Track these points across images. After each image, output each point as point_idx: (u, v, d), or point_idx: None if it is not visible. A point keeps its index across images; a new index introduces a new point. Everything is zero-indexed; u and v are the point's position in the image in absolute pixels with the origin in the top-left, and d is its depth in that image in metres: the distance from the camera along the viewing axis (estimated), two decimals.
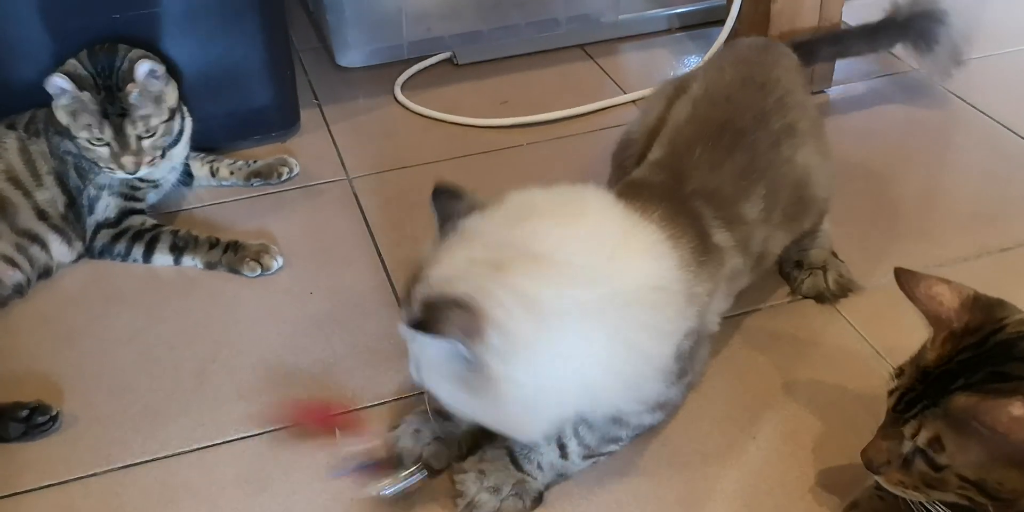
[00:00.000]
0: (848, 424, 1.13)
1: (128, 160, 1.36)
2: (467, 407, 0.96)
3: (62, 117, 1.36)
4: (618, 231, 0.98)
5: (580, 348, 0.93)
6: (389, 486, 1.03)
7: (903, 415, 0.87)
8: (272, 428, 1.16)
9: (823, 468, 1.09)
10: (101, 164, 1.38)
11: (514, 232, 0.94)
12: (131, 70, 1.36)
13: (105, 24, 1.43)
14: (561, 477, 1.06)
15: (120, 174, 1.38)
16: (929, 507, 0.88)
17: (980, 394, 0.81)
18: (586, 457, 1.06)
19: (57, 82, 1.33)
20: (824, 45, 1.60)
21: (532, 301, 0.89)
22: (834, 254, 1.34)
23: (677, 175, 1.11)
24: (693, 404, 1.17)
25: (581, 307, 0.91)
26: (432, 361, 0.93)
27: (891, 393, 0.90)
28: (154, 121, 1.37)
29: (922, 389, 0.86)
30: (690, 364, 1.08)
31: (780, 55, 1.33)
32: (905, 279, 0.92)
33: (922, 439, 0.85)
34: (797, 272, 1.33)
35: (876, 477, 0.91)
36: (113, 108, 1.34)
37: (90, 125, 1.34)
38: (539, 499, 1.04)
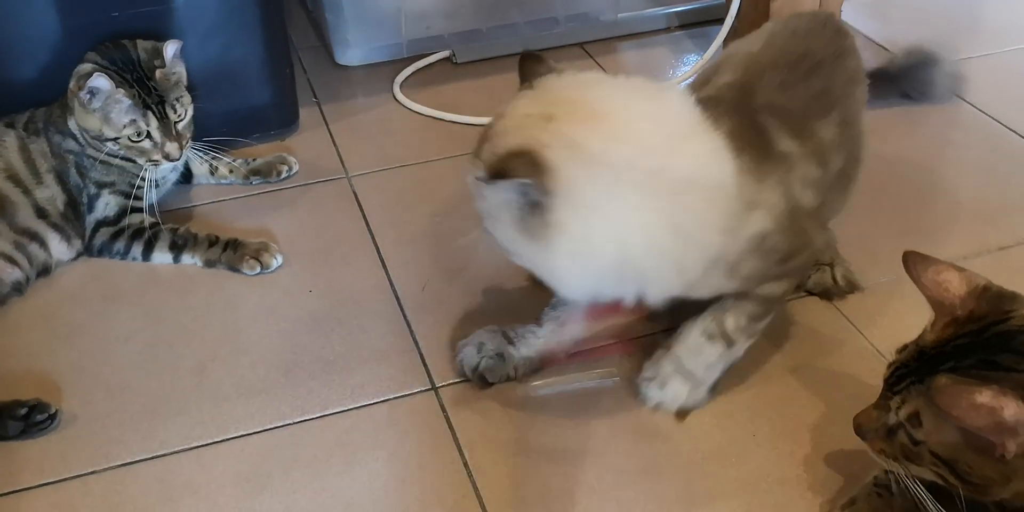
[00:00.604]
0: (848, 422, 1.11)
1: (172, 147, 1.38)
2: (524, 253, 1.01)
3: (94, 124, 1.36)
4: (685, 125, 1.01)
5: (624, 212, 0.96)
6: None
7: (893, 388, 0.90)
8: (272, 426, 1.16)
9: (823, 466, 1.09)
10: (143, 160, 1.39)
11: (579, 92, 1.00)
12: (152, 58, 1.37)
13: (104, 22, 1.43)
14: (730, 364, 1.16)
15: (165, 164, 1.40)
16: (905, 482, 0.90)
17: (962, 377, 0.82)
18: (751, 336, 1.14)
19: (97, 82, 1.31)
20: None
21: (581, 149, 0.95)
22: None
23: (747, 92, 1.10)
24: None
25: (630, 169, 0.96)
26: (495, 209, 0.99)
27: (889, 366, 0.92)
28: (185, 101, 1.40)
29: (915, 367, 0.88)
30: (799, 242, 1.09)
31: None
32: (913, 263, 0.92)
33: (903, 413, 0.87)
34: None
35: (863, 442, 0.94)
36: (151, 98, 1.35)
37: (134, 120, 1.35)
38: (712, 390, 1.16)
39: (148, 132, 1.36)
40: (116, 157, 1.40)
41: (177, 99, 1.38)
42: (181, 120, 1.40)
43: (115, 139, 1.36)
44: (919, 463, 0.88)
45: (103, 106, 1.34)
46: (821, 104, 1.13)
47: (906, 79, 1.67)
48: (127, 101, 1.34)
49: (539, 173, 0.94)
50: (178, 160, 1.40)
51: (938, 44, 1.70)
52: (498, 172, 0.95)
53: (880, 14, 2.03)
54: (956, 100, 1.72)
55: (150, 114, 1.35)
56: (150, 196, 1.47)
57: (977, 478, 0.84)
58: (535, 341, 1.20)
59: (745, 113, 1.06)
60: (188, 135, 1.42)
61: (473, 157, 1.02)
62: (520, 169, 0.94)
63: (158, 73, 1.36)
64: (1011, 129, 1.66)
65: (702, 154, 1.00)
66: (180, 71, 1.41)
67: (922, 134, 1.66)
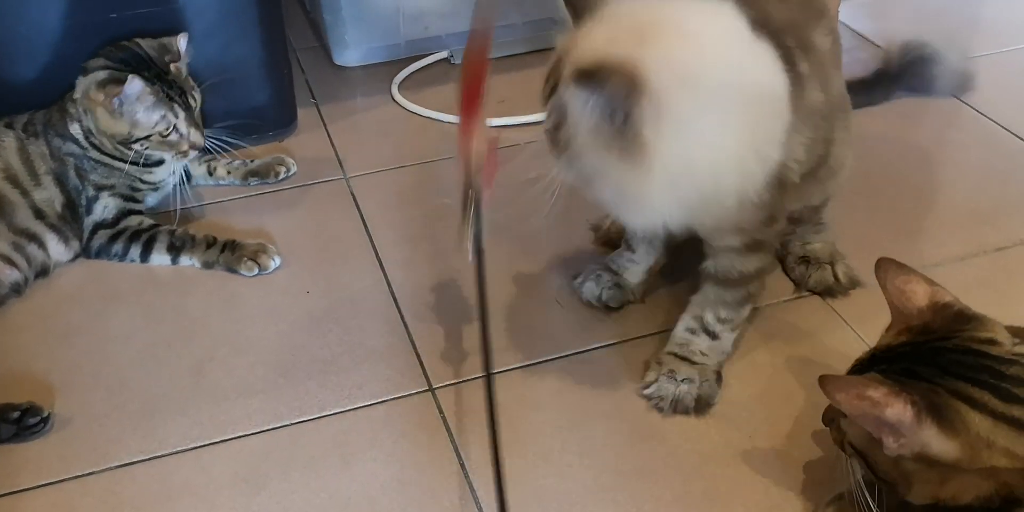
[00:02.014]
0: None
1: (197, 135, 1.41)
2: (615, 177, 0.99)
3: (121, 127, 1.36)
4: (751, 41, 1.01)
5: (718, 131, 0.96)
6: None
7: None
8: (270, 427, 1.16)
9: (820, 467, 1.09)
10: (168, 155, 1.41)
11: (659, 13, 0.97)
12: (162, 54, 1.39)
13: (102, 23, 1.43)
14: (724, 355, 1.20)
15: (192, 154, 1.42)
16: (848, 468, 0.95)
17: (878, 377, 0.87)
18: (732, 329, 1.19)
19: (134, 86, 1.32)
20: None
21: (684, 70, 0.94)
22: None
23: (759, 9, 1.09)
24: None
25: (724, 88, 0.96)
26: (585, 127, 0.96)
27: (852, 364, 0.97)
28: (197, 91, 1.43)
29: (864, 366, 0.93)
30: (778, 206, 1.10)
31: None
32: (884, 269, 0.96)
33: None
34: (803, 268, 1.33)
35: (828, 428, 1.00)
36: (173, 91, 1.37)
37: (164, 115, 1.37)
38: (720, 378, 1.19)
39: (176, 125, 1.38)
40: (120, 160, 1.40)
41: (194, 87, 1.41)
42: (197, 108, 1.43)
43: (146, 138, 1.37)
44: (849, 454, 0.93)
45: (130, 109, 1.35)
46: (814, 9, 1.14)
47: (906, 78, 1.67)
48: (151, 98, 1.35)
49: (640, 89, 0.91)
50: (201, 146, 1.42)
51: (943, 41, 1.69)
52: (600, 82, 0.92)
53: (878, 14, 2.03)
54: (963, 93, 1.71)
55: (177, 106, 1.38)
56: (150, 199, 1.47)
57: (882, 474, 0.89)
58: (638, 268, 1.29)
59: (774, 33, 1.05)
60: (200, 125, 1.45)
61: (551, 80, 1.00)
62: (624, 84, 0.91)
63: (173, 67, 1.39)
64: (1008, 130, 1.66)
65: (769, 68, 1.02)
66: (189, 62, 1.43)
67: (919, 134, 1.66)
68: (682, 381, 1.16)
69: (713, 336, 1.18)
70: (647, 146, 0.93)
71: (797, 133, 1.05)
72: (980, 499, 0.84)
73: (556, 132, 1.00)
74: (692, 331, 1.19)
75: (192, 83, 1.42)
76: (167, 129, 1.38)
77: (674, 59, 0.94)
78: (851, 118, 1.23)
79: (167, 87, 1.37)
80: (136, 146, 1.38)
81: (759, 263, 1.15)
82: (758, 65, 1.01)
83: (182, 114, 1.38)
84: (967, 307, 0.93)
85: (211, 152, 1.50)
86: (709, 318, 1.18)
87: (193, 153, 1.42)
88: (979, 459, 0.82)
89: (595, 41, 0.96)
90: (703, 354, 1.18)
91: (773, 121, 1.01)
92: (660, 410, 1.16)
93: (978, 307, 0.95)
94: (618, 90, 0.91)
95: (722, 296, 1.16)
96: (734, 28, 1.00)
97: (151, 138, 1.37)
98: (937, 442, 0.82)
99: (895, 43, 1.70)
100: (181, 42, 1.40)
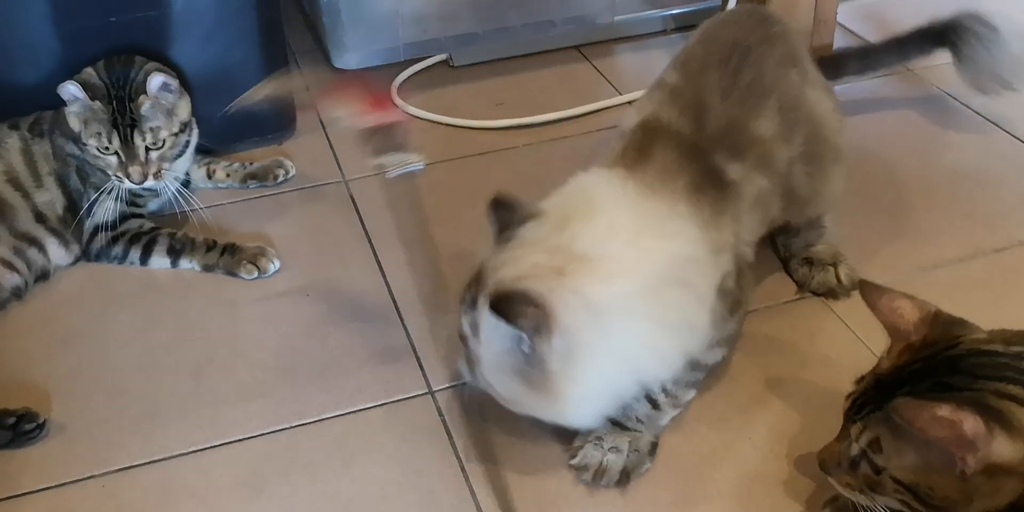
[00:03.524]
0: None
1: (135, 171, 1.37)
2: (522, 399, 1.00)
3: (74, 123, 1.37)
4: (632, 217, 1.02)
5: (630, 341, 0.98)
6: (394, 170, 1.08)
7: (853, 418, 0.92)
8: (269, 430, 1.16)
9: (819, 469, 1.09)
10: (109, 172, 1.39)
11: (561, 237, 0.99)
12: (143, 82, 1.37)
13: (104, 27, 1.44)
14: (659, 429, 1.13)
15: (127, 184, 1.39)
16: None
17: (919, 399, 0.84)
18: (675, 406, 1.12)
19: (70, 89, 1.34)
20: (851, 60, 1.60)
21: (592, 303, 0.94)
22: None
23: (694, 112, 1.12)
24: (689, 406, 1.17)
25: (628, 300, 0.97)
26: (493, 354, 0.98)
27: (847, 398, 0.95)
28: (163, 133, 1.38)
29: (873, 395, 0.90)
30: (739, 296, 1.12)
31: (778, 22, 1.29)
32: (868, 291, 0.95)
33: (864, 440, 0.89)
34: (807, 269, 1.33)
35: (829, 478, 0.95)
36: (124, 119, 1.35)
37: (99, 134, 1.35)
38: (654, 449, 1.12)
39: (113, 149, 1.36)
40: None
41: (152, 128, 1.36)
42: (155, 149, 1.38)
43: (86, 144, 1.37)
44: (883, 492, 0.89)
45: (81, 111, 1.36)
46: (755, 96, 1.14)
47: (949, 35, 1.53)
48: (101, 115, 1.35)
49: (550, 330, 0.92)
50: (138, 185, 1.38)
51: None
52: (511, 314, 0.92)
53: (876, 17, 2.03)
54: (1008, 83, 1.59)
55: (115, 134, 1.35)
56: (150, 205, 1.47)
57: (939, 500, 0.85)
58: (651, 421, 1.12)
59: (698, 157, 1.08)
60: (165, 166, 1.40)
61: (466, 300, 1.00)
62: (535, 321, 0.92)
63: (141, 98, 1.36)
64: (1005, 130, 1.66)
65: (660, 232, 1.02)
66: (172, 103, 1.40)
67: (916, 135, 1.67)
68: (609, 450, 1.09)
69: (655, 405, 1.10)
70: (553, 376, 0.94)
71: (740, 229, 1.09)
72: (1012, 503, 0.82)
73: (467, 342, 1.01)
74: (634, 397, 1.10)
75: (160, 124, 1.37)
76: (103, 148, 1.36)
77: (582, 292, 0.94)
78: (823, 150, 1.23)
79: (120, 112, 1.35)
80: (87, 148, 1.37)
81: (722, 355, 1.16)
82: (657, 250, 1.01)
83: (117, 143, 1.35)
84: (950, 314, 0.93)
85: (155, 191, 1.46)
86: (655, 388, 1.09)
87: (129, 183, 1.38)
88: None
89: (515, 266, 0.97)
90: (639, 421, 1.11)
91: (689, 286, 1.02)
92: (584, 482, 1.08)
93: (976, 309, 0.95)
94: (529, 324, 0.92)
95: (681, 376, 1.10)
96: (617, 225, 1.00)
97: (87, 147, 1.37)
98: (1006, 448, 0.80)
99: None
100: (152, 81, 1.36)
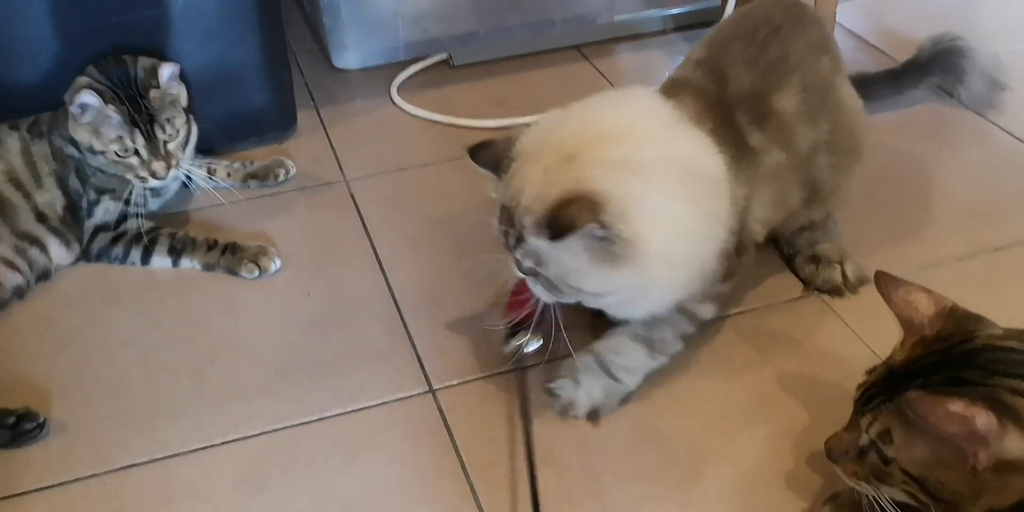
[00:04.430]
0: (843, 423, 1.13)
1: (160, 166, 1.38)
2: (618, 281, 1.02)
3: (83, 136, 1.37)
4: (672, 122, 1.07)
5: (676, 205, 1.02)
6: (514, 345, 1.15)
7: (863, 408, 0.92)
8: (270, 428, 1.16)
9: (819, 466, 1.09)
10: (131, 176, 1.39)
11: (564, 129, 1.03)
12: (149, 77, 1.37)
13: (103, 27, 1.44)
14: (639, 379, 1.16)
15: (152, 182, 1.39)
16: (880, 503, 0.91)
17: (931, 392, 0.84)
18: (664, 353, 1.16)
19: (85, 99, 1.33)
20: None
21: (618, 167, 0.99)
22: None
23: (719, 77, 1.16)
24: (689, 402, 1.18)
25: (662, 164, 1.01)
26: (572, 262, 1.00)
27: (859, 388, 0.94)
28: (178, 123, 1.40)
29: (884, 386, 0.90)
30: (736, 266, 1.15)
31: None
32: (884, 283, 0.95)
33: (874, 431, 0.89)
34: (813, 267, 1.33)
35: (835, 467, 0.95)
36: (140, 116, 1.36)
37: (120, 137, 1.35)
38: (628, 398, 1.16)
39: (135, 149, 1.37)
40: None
41: (168, 119, 1.38)
42: (172, 140, 1.39)
43: (103, 152, 1.37)
44: (890, 483, 0.89)
45: (93, 120, 1.35)
46: (780, 71, 1.17)
47: (936, 68, 1.66)
48: (116, 117, 1.34)
49: (601, 208, 0.95)
50: (165, 179, 1.39)
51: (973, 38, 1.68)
52: (563, 226, 0.96)
53: (875, 15, 2.03)
54: (996, 96, 1.69)
55: (137, 132, 1.35)
56: (152, 203, 1.48)
57: (948, 494, 0.85)
58: (639, 368, 1.17)
59: (722, 111, 1.10)
60: (181, 155, 1.42)
61: (513, 237, 1.02)
62: (583, 214, 0.95)
63: (152, 92, 1.36)
64: (1004, 129, 1.66)
65: (697, 148, 1.06)
66: (177, 92, 1.41)
67: (916, 134, 1.67)
68: (583, 391, 1.14)
69: (652, 352, 1.15)
70: (633, 243, 0.98)
71: (752, 198, 1.12)
72: (1019, 502, 0.82)
73: (535, 274, 1.04)
74: (634, 338, 1.15)
75: (174, 113, 1.39)
76: (124, 151, 1.36)
77: (616, 162, 1.00)
78: (851, 148, 1.27)
79: (135, 111, 1.35)
80: (99, 157, 1.38)
81: (716, 311, 1.20)
82: (688, 145, 1.06)
83: (141, 141, 1.36)
84: (966, 308, 0.93)
85: (186, 183, 1.49)
86: (656, 334, 1.15)
87: (154, 181, 1.39)
88: None
89: (536, 185, 1.00)
90: (627, 370, 1.15)
91: (713, 198, 1.07)
92: (555, 409, 1.15)
93: (976, 307, 0.95)
94: (584, 219, 0.95)
95: (675, 322, 1.16)
96: (648, 114, 1.06)
97: (106, 154, 1.37)
98: (1018, 444, 0.80)
99: (929, 36, 1.69)
100: (164, 72, 1.38)
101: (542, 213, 0.98)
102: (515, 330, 1.16)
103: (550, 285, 1.04)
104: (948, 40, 1.65)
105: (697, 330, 1.19)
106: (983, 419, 0.79)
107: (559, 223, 0.96)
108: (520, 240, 1.02)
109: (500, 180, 1.05)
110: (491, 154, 1.07)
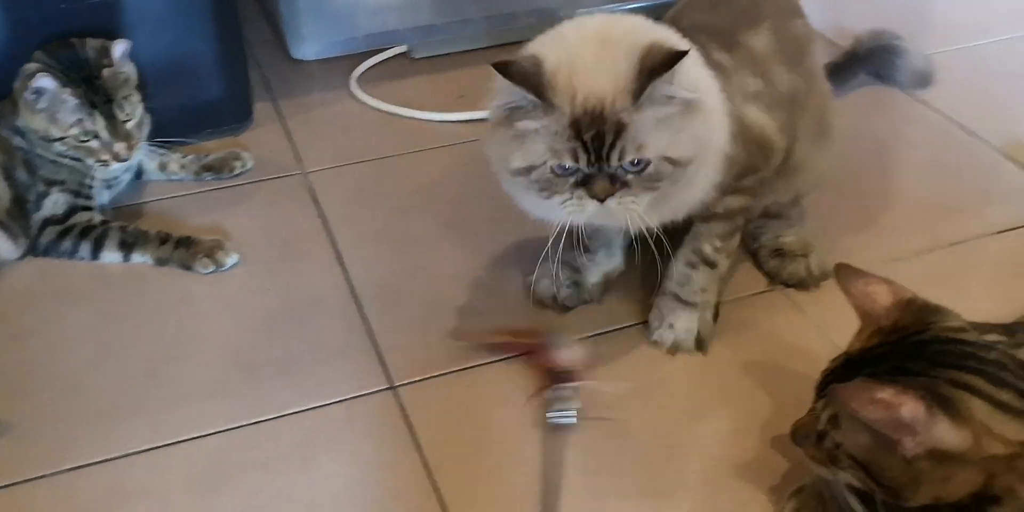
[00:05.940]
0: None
1: (121, 147, 1.36)
2: (698, 141, 1.03)
3: (39, 123, 1.34)
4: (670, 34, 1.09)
5: (708, 74, 1.07)
6: (554, 416, 1.14)
7: (820, 394, 0.95)
8: (228, 427, 1.14)
9: (786, 461, 1.09)
10: (91, 160, 1.37)
11: (587, 32, 1.05)
12: (100, 57, 1.35)
13: (53, 14, 1.40)
14: (720, 282, 1.25)
15: (115, 165, 1.38)
16: (835, 488, 0.94)
17: (874, 379, 0.87)
18: (728, 255, 1.24)
19: (41, 82, 1.30)
20: None
21: (663, 37, 1.04)
22: None
23: (675, 20, 1.20)
24: (657, 398, 1.18)
25: (683, 43, 1.05)
26: (666, 124, 1.00)
27: (822, 373, 0.96)
28: (134, 100, 1.39)
29: (840, 373, 0.92)
30: (756, 157, 1.18)
31: None
32: (844, 275, 0.97)
33: (825, 416, 0.91)
34: (777, 261, 1.34)
35: (800, 449, 0.97)
36: (98, 97, 1.33)
37: (80, 120, 1.33)
38: (717, 313, 1.26)
39: (96, 132, 1.34)
40: (66, 157, 1.37)
41: (125, 98, 1.36)
42: (130, 120, 1.38)
43: (62, 139, 1.34)
44: (841, 467, 0.91)
45: (49, 106, 1.32)
46: (749, 17, 1.21)
47: (872, 61, 1.74)
48: (73, 100, 1.32)
49: (678, 55, 0.97)
50: (127, 161, 1.38)
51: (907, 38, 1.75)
52: (655, 72, 0.97)
53: (834, 10, 2.04)
54: (922, 88, 1.75)
55: (96, 113, 1.33)
56: (103, 196, 1.44)
57: (888, 481, 0.87)
58: (596, 269, 1.29)
59: (697, 40, 1.12)
60: (139, 136, 1.40)
61: (593, 157, 1.00)
62: (667, 58, 0.97)
63: (106, 72, 1.35)
64: (962, 126, 1.68)
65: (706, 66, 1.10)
66: (129, 70, 1.40)
67: (876, 132, 1.68)
68: (679, 330, 1.22)
69: (712, 265, 1.22)
70: (697, 90, 1.02)
71: (742, 112, 1.14)
72: (970, 495, 0.83)
73: (627, 177, 1.01)
74: (692, 265, 1.22)
75: (129, 92, 1.38)
76: (85, 134, 1.34)
77: (660, 37, 1.04)
78: (820, 122, 1.28)
79: (92, 92, 1.33)
80: (57, 145, 1.35)
81: (744, 201, 1.20)
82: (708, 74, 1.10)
83: (102, 123, 1.34)
84: (927, 300, 0.94)
85: (138, 174, 1.48)
86: (707, 249, 1.21)
87: (117, 164, 1.38)
88: (981, 448, 0.81)
89: (608, 71, 0.99)
90: (703, 290, 1.23)
91: (718, 110, 1.09)
92: (667, 353, 1.23)
93: (936, 300, 0.96)
94: (677, 58, 0.97)
95: (713, 229, 1.20)
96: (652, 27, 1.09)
97: (66, 140, 1.34)
98: (950, 434, 0.81)
99: (867, 30, 1.75)
100: (117, 48, 1.36)
101: (634, 73, 0.98)
102: (555, 394, 1.15)
103: (649, 179, 1.01)
104: (885, 37, 1.72)
105: (736, 223, 1.22)
106: (909, 407, 0.80)
107: (655, 65, 0.97)
108: (620, 131, 0.98)
109: (543, 98, 0.99)
110: (521, 72, 1.01)
